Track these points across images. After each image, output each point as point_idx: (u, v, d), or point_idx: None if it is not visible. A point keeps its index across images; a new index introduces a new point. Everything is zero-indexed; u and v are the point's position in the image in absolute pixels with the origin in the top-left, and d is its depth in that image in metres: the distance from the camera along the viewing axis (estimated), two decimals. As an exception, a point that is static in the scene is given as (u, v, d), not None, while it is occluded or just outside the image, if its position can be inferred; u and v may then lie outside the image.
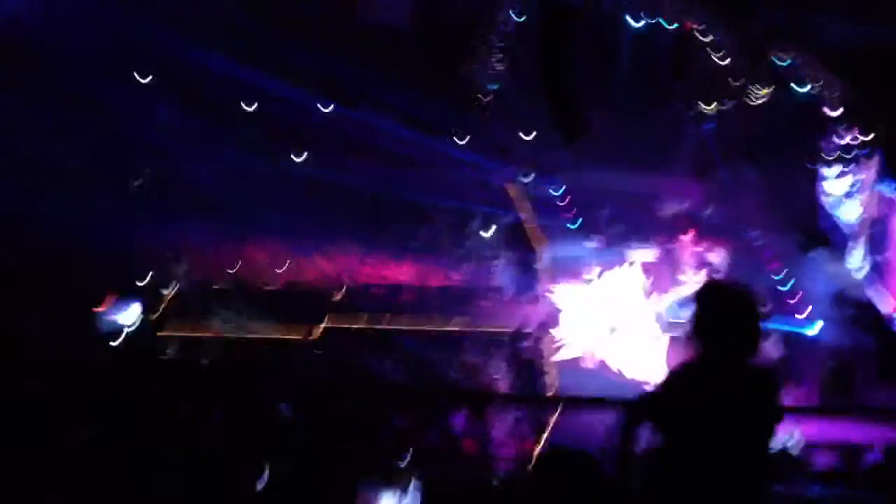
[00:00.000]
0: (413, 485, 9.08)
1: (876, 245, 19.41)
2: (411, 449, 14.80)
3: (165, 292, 22.00)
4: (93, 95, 22.52)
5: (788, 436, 16.64)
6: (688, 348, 4.68)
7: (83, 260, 20.27)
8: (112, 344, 7.96)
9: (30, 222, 20.36)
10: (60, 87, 21.77)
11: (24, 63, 20.75)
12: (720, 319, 4.53)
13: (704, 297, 4.48)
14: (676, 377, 4.76)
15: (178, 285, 22.21)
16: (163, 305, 21.60)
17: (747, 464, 4.59)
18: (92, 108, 23.15)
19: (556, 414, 18.11)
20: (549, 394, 19.16)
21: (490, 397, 17.46)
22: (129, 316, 7.64)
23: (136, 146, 24.03)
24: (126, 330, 7.82)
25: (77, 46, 21.58)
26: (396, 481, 8.82)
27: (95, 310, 7.99)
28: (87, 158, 23.20)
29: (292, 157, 26.10)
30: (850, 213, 21.73)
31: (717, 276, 22.44)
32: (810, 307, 19.66)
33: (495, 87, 25.25)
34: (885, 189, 18.71)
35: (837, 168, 20.32)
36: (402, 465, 10.70)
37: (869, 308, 19.31)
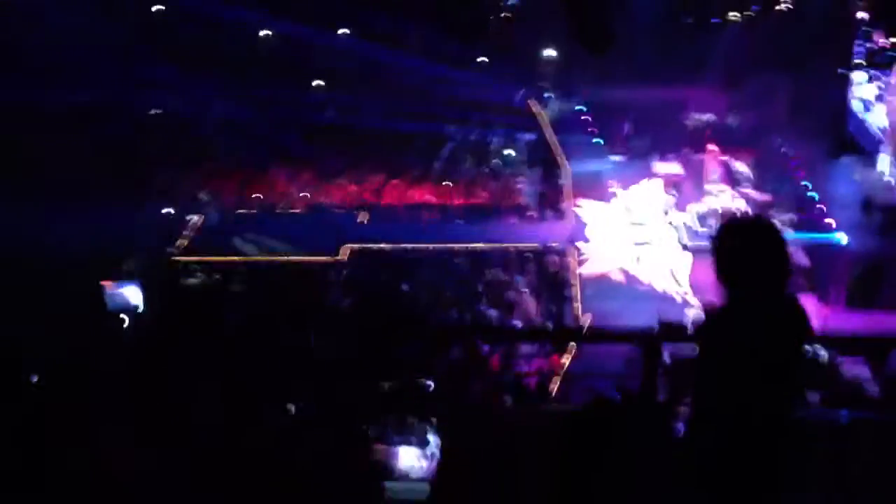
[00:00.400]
0: (432, 440, 9.03)
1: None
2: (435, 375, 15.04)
3: (192, 219, 22.14)
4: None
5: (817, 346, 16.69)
6: (717, 288, 4.47)
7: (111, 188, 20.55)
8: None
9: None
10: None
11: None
12: (744, 258, 4.23)
13: (726, 237, 4.22)
14: (710, 322, 4.55)
15: (204, 212, 22.32)
16: (190, 232, 21.76)
17: (779, 394, 4.43)
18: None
19: (584, 327, 18.23)
20: (576, 305, 19.20)
21: (515, 334, 17.35)
22: (133, 296, 7.60)
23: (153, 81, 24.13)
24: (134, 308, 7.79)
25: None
26: (416, 434, 8.81)
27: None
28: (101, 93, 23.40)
29: (314, 83, 26.17)
30: (879, 117, 21.35)
31: (744, 188, 22.28)
32: (837, 214, 19.44)
33: (515, 2, 24.87)
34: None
35: (866, 72, 19.82)
36: (428, 390, 10.73)
37: (897, 214, 19.11)
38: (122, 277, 7.97)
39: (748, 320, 4.33)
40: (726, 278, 4.32)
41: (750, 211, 21.17)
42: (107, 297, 7.98)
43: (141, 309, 7.91)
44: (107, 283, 8.07)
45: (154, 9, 25.75)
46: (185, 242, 21.46)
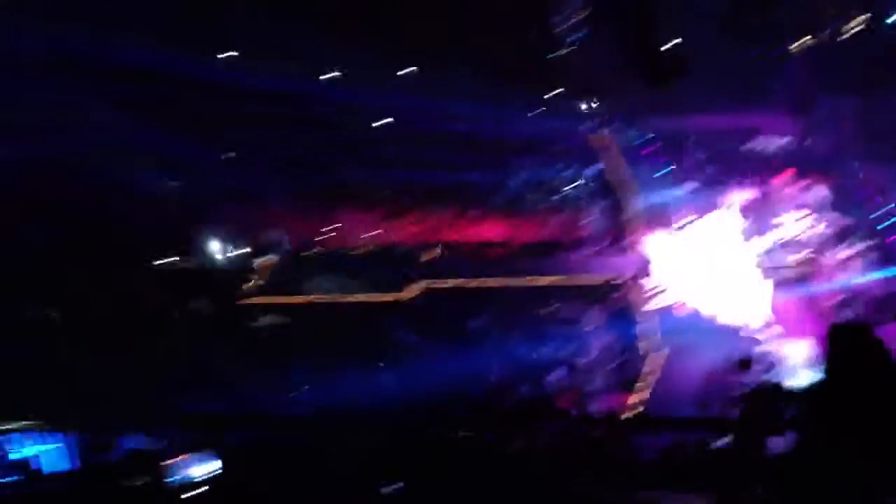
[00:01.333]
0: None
1: None
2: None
3: (261, 261, 22.55)
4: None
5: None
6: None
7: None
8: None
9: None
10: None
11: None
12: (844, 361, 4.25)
13: (833, 339, 4.21)
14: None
15: (274, 254, 22.71)
16: (258, 276, 22.16)
17: None
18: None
19: (651, 365, 17.90)
20: (644, 342, 18.83)
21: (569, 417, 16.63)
22: (205, 468, 7.59)
23: (224, 118, 24.79)
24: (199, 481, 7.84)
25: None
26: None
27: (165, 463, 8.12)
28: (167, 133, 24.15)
29: (379, 122, 26.55)
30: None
31: (822, 215, 21.64)
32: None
33: (578, 36, 24.82)
34: None
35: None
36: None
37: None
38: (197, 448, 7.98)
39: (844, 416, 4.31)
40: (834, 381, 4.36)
41: (825, 238, 20.61)
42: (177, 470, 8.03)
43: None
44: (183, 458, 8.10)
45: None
46: (255, 284, 21.86)
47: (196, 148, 24.09)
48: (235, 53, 26.73)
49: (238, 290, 21.43)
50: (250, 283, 21.80)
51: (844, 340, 4.28)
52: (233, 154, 25.60)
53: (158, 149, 23.53)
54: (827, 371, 4.33)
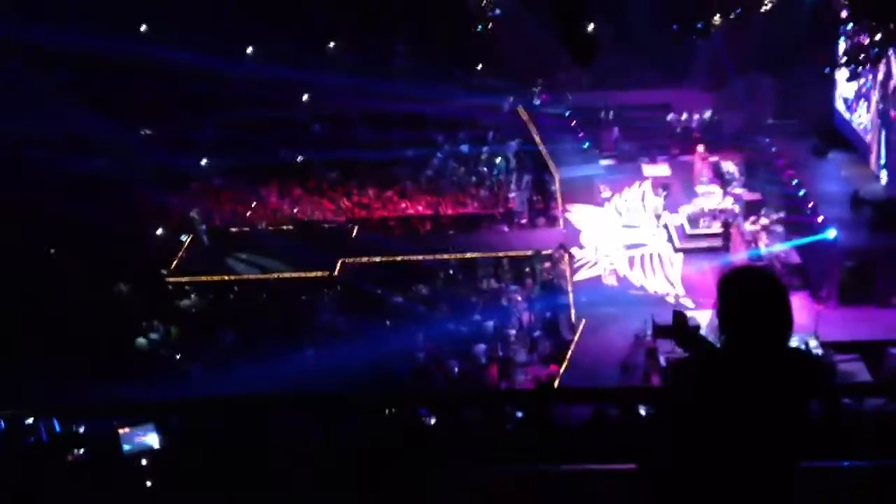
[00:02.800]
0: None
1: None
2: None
3: (183, 239, 22.17)
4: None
5: (810, 336, 16.76)
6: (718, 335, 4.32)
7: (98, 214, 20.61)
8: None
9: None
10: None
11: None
12: (743, 308, 4.06)
13: (727, 286, 4.05)
14: (693, 371, 4.29)
15: (195, 232, 22.33)
16: (181, 253, 21.78)
17: (772, 454, 4.19)
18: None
19: (578, 335, 18.23)
20: (571, 312, 19.19)
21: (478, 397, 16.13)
22: (150, 439, 7.55)
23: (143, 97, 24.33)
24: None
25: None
26: None
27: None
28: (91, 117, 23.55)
29: (301, 97, 26.30)
30: (863, 113, 21.46)
31: (734, 189, 22.31)
32: (826, 211, 19.49)
33: (499, 11, 24.99)
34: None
35: (848, 69, 19.91)
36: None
37: (889, 209, 19.11)
38: (137, 421, 7.88)
39: (740, 376, 4.16)
40: (726, 326, 4.17)
41: (738, 210, 21.26)
42: (123, 442, 7.89)
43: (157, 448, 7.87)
44: (123, 429, 7.94)
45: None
46: (177, 263, 21.48)
47: (115, 127, 23.50)
48: (145, 28, 26.16)
49: (161, 270, 20.97)
50: (173, 263, 21.38)
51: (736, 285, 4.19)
52: (149, 132, 25.09)
53: (77, 128, 22.85)
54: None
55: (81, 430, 9.44)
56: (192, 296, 20.44)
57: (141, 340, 18.50)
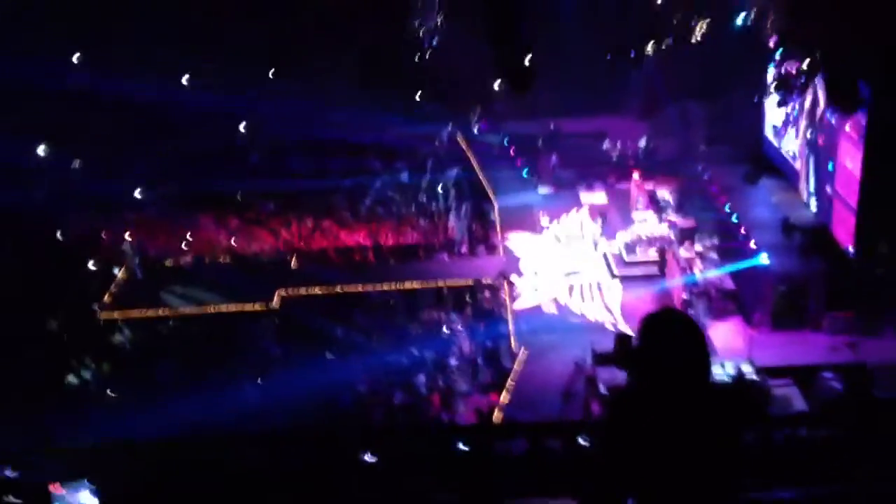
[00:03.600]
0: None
1: (825, 175, 19.61)
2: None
3: (116, 273, 21.65)
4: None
5: (744, 361, 17.00)
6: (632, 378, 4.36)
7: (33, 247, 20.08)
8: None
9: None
10: None
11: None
12: (658, 351, 4.15)
13: (646, 332, 4.12)
14: (618, 410, 4.34)
15: (129, 265, 21.84)
16: (113, 287, 21.25)
17: (694, 489, 4.27)
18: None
19: (519, 363, 18.23)
20: (511, 341, 19.22)
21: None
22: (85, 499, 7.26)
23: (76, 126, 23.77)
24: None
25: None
26: None
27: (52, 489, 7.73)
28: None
29: (239, 127, 26.02)
30: (791, 140, 22.02)
31: (668, 215, 22.65)
32: (758, 237, 19.88)
33: (436, 40, 25.09)
34: (832, 117, 18.79)
35: (777, 97, 20.45)
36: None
37: (818, 235, 19.58)
38: (73, 478, 7.56)
39: (661, 412, 4.25)
40: (640, 367, 4.24)
41: (674, 236, 21.57)
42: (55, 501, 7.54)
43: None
44: (55, 487, 7.59)
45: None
46: (110, 298, 20.96)
47: (48, 157, 22.90)
48: (78, 56, 25.63)
49: (94, 305, 20.45)
50: (106, 297, 20.86)
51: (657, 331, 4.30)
52: (81, 161, 24.49)
53: (6, 156, 22.22)
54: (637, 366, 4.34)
55: (11, 475, 9.11)
56: (126, 331, 19.97)
57: (71, 379, 18.00)
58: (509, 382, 17.74)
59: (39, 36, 24.07)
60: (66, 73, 24.27)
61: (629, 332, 4.79)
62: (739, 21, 20.78)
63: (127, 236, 22.33)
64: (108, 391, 17.79)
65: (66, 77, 23.94)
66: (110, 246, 22.28)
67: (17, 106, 24.01)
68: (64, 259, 21.40)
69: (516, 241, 23.17)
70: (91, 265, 21.56)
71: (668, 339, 4.23)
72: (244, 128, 25.86)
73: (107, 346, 19.37)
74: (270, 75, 26.38)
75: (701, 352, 4.21)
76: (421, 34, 24.74)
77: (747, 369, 16.62)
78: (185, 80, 26.33)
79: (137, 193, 24.09)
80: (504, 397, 17.34)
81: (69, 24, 24.70)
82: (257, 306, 20.79)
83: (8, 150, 22.78)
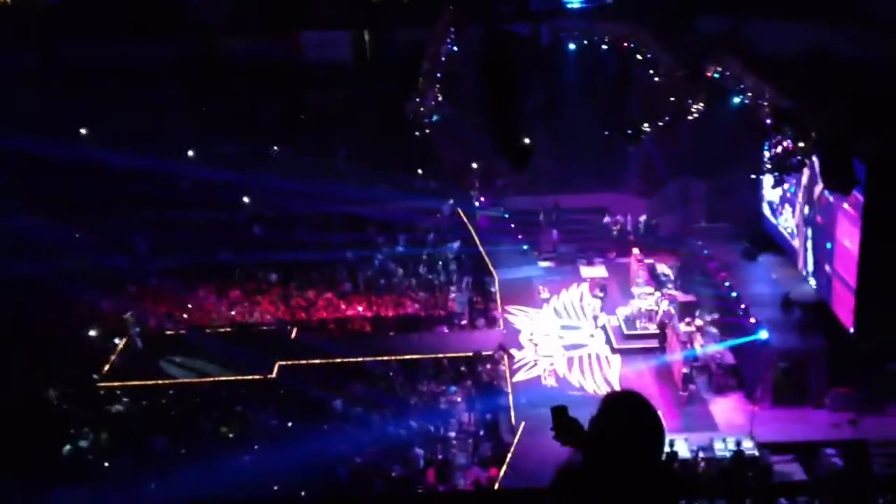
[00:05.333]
0: None
1: (823, 253, 19.75)
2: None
3: (117, 342, 21.66)
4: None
5: (745, 437, 16.88)
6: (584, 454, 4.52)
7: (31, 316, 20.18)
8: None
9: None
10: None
11: None
12: (611, 433, 4.33)
13: (601, 412, 4.32)
14: (562, 485, 4.48)
15: (129, 335, 21.85)
16: (113, 357, 21.24)
17: None
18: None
19: (518, 437, 18.08)
20: (511, 414, 19.08)
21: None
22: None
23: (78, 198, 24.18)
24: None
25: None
26: None
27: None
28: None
29: (242, 199, 26.38)
30: (789, 218, 22.22)
31: (669, 290, 22.74)
32: (758, 313, 19.90)
33: (437, 118, 25.64)
34: (830, 196, 18.98)
35: (773, 176, 20.71)
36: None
37: (819, 311, 19.60)
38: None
39: (606, 490, 4.35)
40: (591, 450, 4.36)
41: (674, 311, 21.61)
42: None
43: None
44: None
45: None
46: (110, 367, 20.92)
47: (50, 228, 23.17)
48: (84, 131, 26.16)
49: (93, 374, 20.41)
50: (105, 367, 20.82)
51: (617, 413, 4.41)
52: (84, 233, 24.71)
53: (14, 229, 22.54)
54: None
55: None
56: (125, 400, 19.88)
57: (68, 447, 17.88)
58: (508, 456, 17.57)
59: (47, 108, 24.71)
60: (71, 146, 24.83)
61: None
62: (736, 100, 21.22)
63: (129, 306, 22.37)
64: (105, 462, 17.64)
65: (70, 150, 24.47)
66: (111, 316, 22.30)
67: (23, 178, 24.51)
68: (65, 329, 21.41)
69: (516, 314, 23.22)
70: (92, 334, 21.57)
71: (618, 420, 4.32)
72: (247, 200, 26.21)
73: (106, 416, 19.25)
74: (273, 149, 26.90)
75: (648, 438, 4.30)
76: (421, 111, 25.27)
77: (748, 445, 16.51)
78: (191, 153, 26.84)
79: (140, 264, 24.29)
80: (502, 471, 17.15)
81: (75, 97, 25.34)
82: (256, 377, 20.72)
83: (14, 222, 23.17)
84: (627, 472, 4.20)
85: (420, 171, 27.29)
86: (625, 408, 4.30)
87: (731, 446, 16.56)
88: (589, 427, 4.30)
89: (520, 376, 20.63)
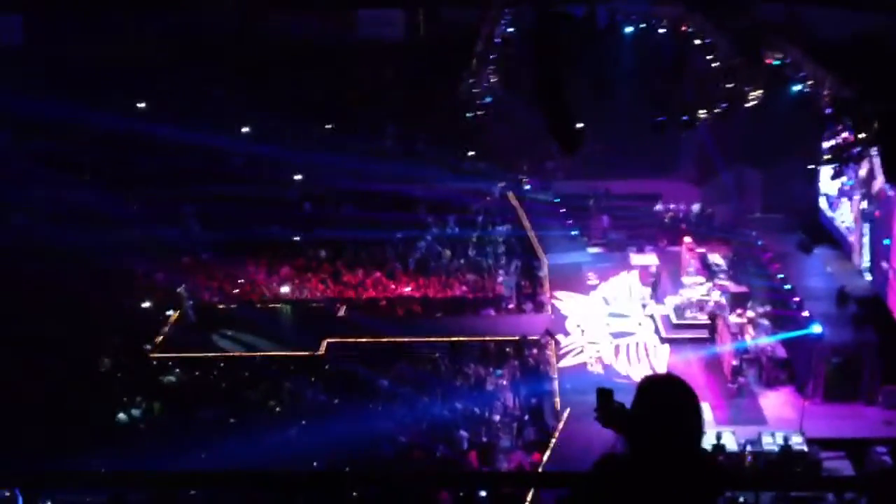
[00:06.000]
0: None
1: (881, 249, 19.32)
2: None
3: (170, 314, 22.06)
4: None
5: (795, 432, 16.66)
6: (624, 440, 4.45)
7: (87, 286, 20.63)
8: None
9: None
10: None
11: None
12: (651, 414, 4.25)
13: (640, 394, 4.24)
14: (603, 471, 4.41)
15: (182, 308, 22.23)
16: (166, 328, 21.64)
17: None
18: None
19: (562, 423, 18.06)
20: (556, 400, 19.05)
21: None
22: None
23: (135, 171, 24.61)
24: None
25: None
26: None
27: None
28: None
29: (293, 177, 26.64)
30: (846, 211, 21.78)
31: (720, 280, 22.46)
32: (811, 306, 19.57)
33: (489, 99, 25.54)
34: (889, 189, 18.54)
35: (832, 167, 20.27)
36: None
37: (874, 306, 19.23)
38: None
39: (648, 478, 4.29)
40: (632, 434, 4.30)
41: (725, 301, 21.34)
42: None
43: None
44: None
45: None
46: (162, 339, 21.32)
47: (106, 199, 23.65)
48: (143, 105, 26.58)
49: (146, 345, 20.83)
50: (158, 338, 21.22)
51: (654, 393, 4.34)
52: (139, 204, 25.19)
53: (71, 201, 23.07)
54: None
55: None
56: (176, 371, 20.26)
57: (122, 416, 18.29)
58: (552, 442, 17.56)
59: (104, 84, 25.11)
60: (127, 120, 25.27)
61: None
62: (795, 88, 20.76)
63: (181, 279, 22.75)
64: (156, 430, 18.03)
65: (126, 124, 24.91)
66: (165, 288, 22.71)
67: (82, 149, 25.01)
68: (119, 299, 21.87)
69: (564, 299, 23.13)
70: (146, 306, 22.00)
71: (659, 403, 4.26)
72: (299, 178, 26.44)
73: (158, 386, 19.64)
74: (326, 127, 27.06)
75: (685, 418, 4.25)
76: (473, 92, 25.16)
77: (797, 440, 16.29)
78: (245, 129, 27.13)
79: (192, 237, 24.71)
80: (545, 456, 17.15)
81: (133, 73, 25.72)
82: (304, 353, 20.97)
83: (72, 192, 23.70)
84: (667, 455, 4.16)
85: (470, 152, 27.27)
86: (660, 388, 4.27)
87: (780, 441, 16.34)
88: (629, 410, 4.29)
89: (566, 362, 20.57)
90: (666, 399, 4.29)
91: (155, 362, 20.53)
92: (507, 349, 20.69)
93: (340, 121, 26.99)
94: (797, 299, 20.13)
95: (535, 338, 20.87)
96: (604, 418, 4.60)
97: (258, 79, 26.63)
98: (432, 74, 26.43)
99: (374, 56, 27.25)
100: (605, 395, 4.57)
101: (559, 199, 26.74)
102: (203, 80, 26.22)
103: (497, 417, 18.32)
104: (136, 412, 18.46)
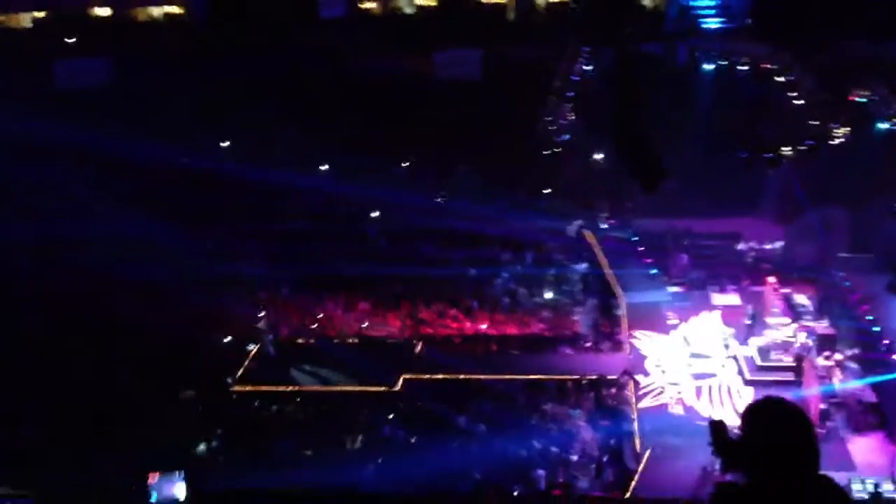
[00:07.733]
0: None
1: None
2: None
3: (249, 348, 22.47)
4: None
5: (885, 479, 16.03)
6: (738, 471, 4.29)
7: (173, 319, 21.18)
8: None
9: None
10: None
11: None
12: (769, 442, 4.09)
13: (751, 418, 4.09)
14: (725, 500, 4.26)
15: (261, 342, 22.63)
16: (246, 362, 22.03)
17: None
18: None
19: (643, 464, 17.71)
20: (636, 440, 18.70)
21: None
22: (178, 490, 7.92)
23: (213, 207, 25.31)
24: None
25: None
26: None
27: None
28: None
29: (370, 213, 27.01)
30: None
31: (806, 322, 21.84)
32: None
33: (567, 137, 25.57)
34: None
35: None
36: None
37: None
38: (168, 470, 8.26)
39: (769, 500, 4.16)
40: (748, 461, 4.17)
41: (811, 343, 20.74)
42: (152, 489, 8.23)
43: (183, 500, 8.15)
44: (152, 476, 8.27)
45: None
46: (243, 372, 21.70)
47: (184, 236, 24.34)
48: (226, 144, 27.38)
49: (226, 378, 21.23)
50: (238, 371, 21.62)
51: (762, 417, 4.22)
52: (210, 243, 25.81)
53: (150, 237, 23.81)
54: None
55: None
56: (256, 404, 20.57)
57: (201, 447, 18.60)
58: (632, 484, 17.22)
59: (185, 121, 25.92)
60: (208, 158, 26.04)
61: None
62: (883, 126, 20.29)
63: (261, 314, 23.17)
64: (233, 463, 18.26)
65: (206, 161, 25.67)
66: (245, 323, 23.15)
67: (170, 187, 25.82)
68: (202, 333, 22.36)
69: (643, 338, 22.78)
70: (227, 340, 22.46)
71: (770, 425, 4.16)
72: (376, 214, 26.77)
73: (237, 419, 19.95)
74: (403, 165, 27.43)
75: (805, 439, 4.12)
76: (552, 130, 25.25)
77: (888, 487, 15.65)
78: (324, 168, 27.68)
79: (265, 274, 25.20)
80: (626, 498, 16.81)
81: (214, 110, 26.50)
82: (380, 389, 21.08)
83: (153, 228, 24.44)
84: (790, 477, 4.04)
85: (547, 189, 27.26)
86: (769, 410, 4.19)
87: (870, 488, 15.71)
88: (741, 440, 4.20)
89: (645, 403, 20.21)
90: (778, 419, 4.21)
91: (235, 395, 20.90)
92: (585, 388, 20.45)
93: (413, 158, 27.34)
94: (887, 342, 19.46)
95: (613, 377, 20.58)
96: (720, 449, 4.51)
97: (336, 117, 27.18)
98: (507, 112, 26.61)
99: (450, 94, 27.59)
100: (717, 426, 4.52)
101: (638, 238, 26.45)
102: (280, 119, 26.91)
103: (575, 458, 18.06)
104: (215, 443, 18.75)
